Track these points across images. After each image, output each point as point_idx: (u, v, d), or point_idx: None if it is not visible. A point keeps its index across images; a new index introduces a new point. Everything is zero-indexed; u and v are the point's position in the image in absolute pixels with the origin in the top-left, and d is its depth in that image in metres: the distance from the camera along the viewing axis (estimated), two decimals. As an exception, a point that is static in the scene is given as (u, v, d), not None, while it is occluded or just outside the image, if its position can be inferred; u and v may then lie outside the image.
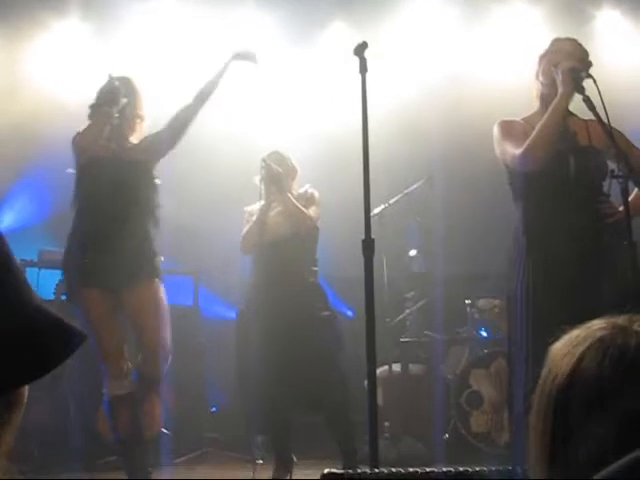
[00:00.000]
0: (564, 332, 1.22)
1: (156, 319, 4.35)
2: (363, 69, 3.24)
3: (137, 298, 4.32)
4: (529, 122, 3.76)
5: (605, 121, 3.41)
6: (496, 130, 3.79)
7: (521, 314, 3.64)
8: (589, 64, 3.71)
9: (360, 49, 3.25)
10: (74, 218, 4.38)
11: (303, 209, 4.89)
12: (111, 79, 4.43)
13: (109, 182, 4.31)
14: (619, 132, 3.68)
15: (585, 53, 3.76)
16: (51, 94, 6.67)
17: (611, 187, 3.53)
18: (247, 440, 5.79)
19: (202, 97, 4.50)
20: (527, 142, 3.56)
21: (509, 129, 3.75)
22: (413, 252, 6.31)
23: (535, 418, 1.18)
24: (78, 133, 4.39)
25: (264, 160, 4.91)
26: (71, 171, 4.46)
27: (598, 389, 1.09)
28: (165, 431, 5.88)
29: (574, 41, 3.82)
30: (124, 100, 4.41)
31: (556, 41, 3.84)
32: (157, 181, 4.53)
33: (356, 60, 3.27)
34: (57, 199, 6.17)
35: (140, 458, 4.40)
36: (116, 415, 4.35)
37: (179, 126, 4.48)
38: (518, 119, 3.83)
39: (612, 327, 1.16)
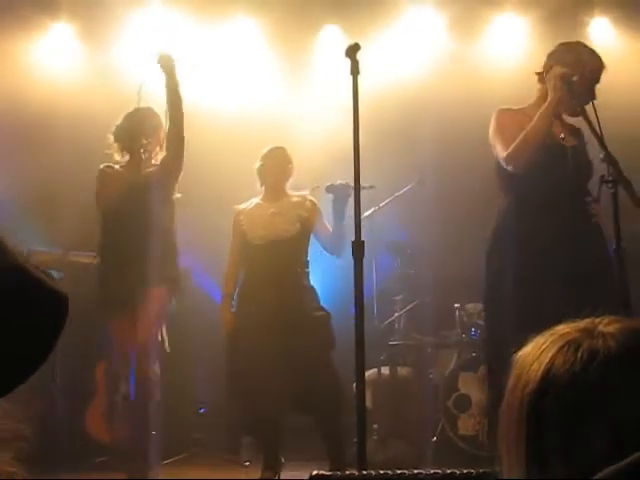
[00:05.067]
0: (527, 340, 1.21)
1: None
2: (355, 71, 3.23)
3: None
4: (526, 114, 3.77)
5: (596, 125, 3.43)
6: (493, 120, 3.80)
7: (498, 316, 3.66)
8: (585, 66, 3.72)
9: (352, 51, 3.23)
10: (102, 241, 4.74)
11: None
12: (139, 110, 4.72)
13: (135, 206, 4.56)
14: None
15: (581, 55, 3.77)
16: (35, 92, 6.65)
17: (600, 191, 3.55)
18: (235, 441, 5.78)
19: (176, 108, 4.60)
20: (512, 146, 3.58)
21: (504, 123, 3.76)
22: (403, 254, 6.30)
23: (506, 428, 1.17)
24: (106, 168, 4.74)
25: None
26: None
27: (571, 393, 1.09)
28: (152, 432, 5.87)
29: (580, 45, 3.83)
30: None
31: (561, 45, 3.86)
32: (177, 195, 4.81)
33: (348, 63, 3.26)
34: (47, 198, 6.18)
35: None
36: None
37: (179, 142, 4.64)
38: (516, 108, 3.84)
39: (577, 330, 1.16)
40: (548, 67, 3.76)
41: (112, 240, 4.66)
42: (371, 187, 4.94)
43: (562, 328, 1.19)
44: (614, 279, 3.50)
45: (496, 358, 3.57)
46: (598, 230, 3.64)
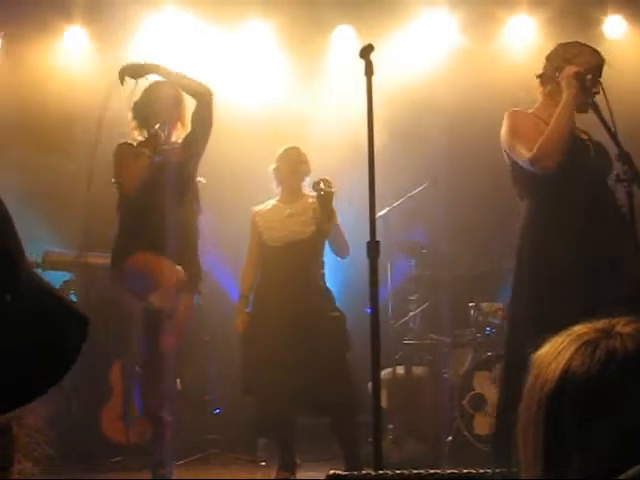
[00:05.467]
0: (545, 340, 1.22)
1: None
2: (369, 72, 3.23)
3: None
4: (538, 116, 3.75)
5: (610, 125, 3.41)
6: (506, 122, 3.76)
7: (522, 315, 3.63)
8: (594, 66, 3.71)
9: (365, 52, 3.23)
10: (120, 220, 4.48)
11: (347, 242, 4.90)
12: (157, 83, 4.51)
13: (153, 186, 4.35)
14: None
15: (591, 55, 3.77)
16: (52, 94, 6.70)
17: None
18: (250, 442, 5.79)
19: (200, 93, 4.45)
20: (537, 147, 3.54)
21: (520, 124, 3.72)
22: (417, 254, 6.30)
23: (524, 428, 1.18)
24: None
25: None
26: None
27: (588, 393, 1.10)
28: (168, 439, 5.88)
29: (578, 44, 3.83)
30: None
31: (560, 45, 3.85)
32: (201, 180, 4.64)
33: (361, 64, 3.26)
34: (63, 200, 6.21)
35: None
36: None
37: (205, 121, 4.46)
38: (528, 111, 3.82)
39: (594, 331, 1.16)
40: (553, 68, 3.75)
41: (131, 221, 4.43)
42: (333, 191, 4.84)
43: (579, 328, 1.19)
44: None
45: (518, 358, 3.55)
46: (626, 224, 3.60)
